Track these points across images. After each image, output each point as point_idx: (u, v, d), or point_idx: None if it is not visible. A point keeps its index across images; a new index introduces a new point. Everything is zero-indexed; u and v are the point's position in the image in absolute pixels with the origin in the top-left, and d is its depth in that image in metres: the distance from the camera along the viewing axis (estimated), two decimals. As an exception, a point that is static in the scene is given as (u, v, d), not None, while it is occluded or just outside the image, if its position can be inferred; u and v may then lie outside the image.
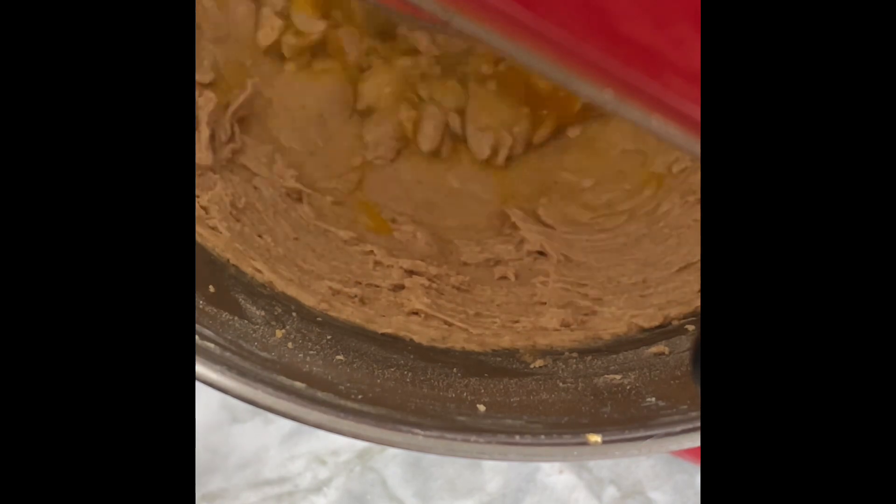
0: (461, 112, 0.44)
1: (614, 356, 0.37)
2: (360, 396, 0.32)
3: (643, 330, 0.38)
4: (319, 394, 0.31)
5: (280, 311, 0.37)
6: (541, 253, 0.42)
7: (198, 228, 0.38)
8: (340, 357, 0.35)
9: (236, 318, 0.35)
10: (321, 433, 0.49)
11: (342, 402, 0.31)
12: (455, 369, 0.36)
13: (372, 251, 0.41)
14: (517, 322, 0.39)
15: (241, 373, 0.30)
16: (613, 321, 0.39)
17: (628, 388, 0.34)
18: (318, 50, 0.44)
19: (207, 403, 0.50)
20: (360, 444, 0.49)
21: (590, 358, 0.37)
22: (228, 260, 0.38)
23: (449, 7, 0.20)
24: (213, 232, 0.38)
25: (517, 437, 0.30)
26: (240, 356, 0.32)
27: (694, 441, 0.29)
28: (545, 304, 0.40)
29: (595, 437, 0.31)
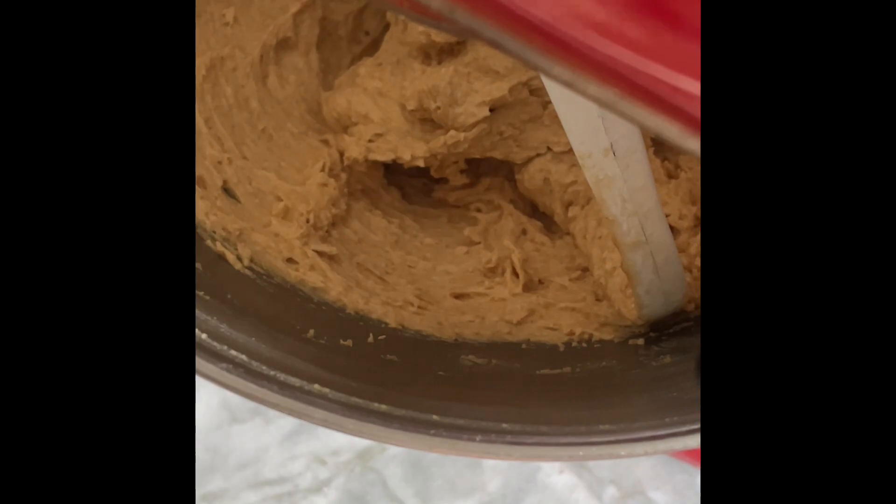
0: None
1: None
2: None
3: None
4: (323, 390, 0.31)
5: None
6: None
7: None
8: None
9: None
10: (321, 433, 0.48)
11: (346, 398, 0.31)
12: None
13: None
14: None
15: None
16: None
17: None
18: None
19: (207, 403, 0.50)
20: (361, 444, 0.49)
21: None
22: None
23: (452, 3, 0.20)
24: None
25: (521, 437, 0.30)
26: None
27: (697, 442, 0.29)
28: None
29: None
